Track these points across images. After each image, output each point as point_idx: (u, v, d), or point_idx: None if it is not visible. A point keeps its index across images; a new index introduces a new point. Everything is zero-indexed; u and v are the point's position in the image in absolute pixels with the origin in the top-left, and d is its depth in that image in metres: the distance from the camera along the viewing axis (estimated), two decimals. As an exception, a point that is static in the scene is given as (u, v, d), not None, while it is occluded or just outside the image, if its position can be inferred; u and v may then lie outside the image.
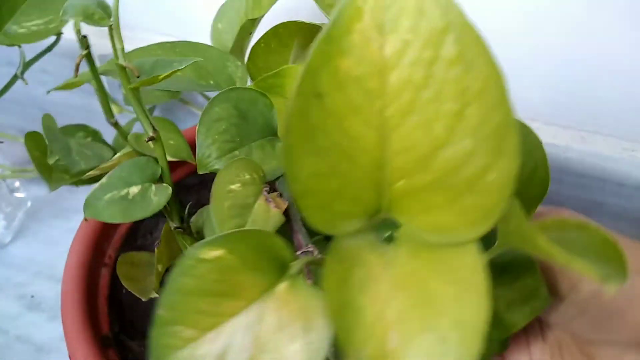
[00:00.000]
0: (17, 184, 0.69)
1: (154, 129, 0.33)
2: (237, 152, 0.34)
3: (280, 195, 0.32)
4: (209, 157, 0.33)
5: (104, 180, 0.34)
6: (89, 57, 0.31)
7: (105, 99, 0.33)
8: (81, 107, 0.69)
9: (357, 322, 0.18)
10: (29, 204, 0.70)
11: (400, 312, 0.18)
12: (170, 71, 0.30)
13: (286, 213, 0.31)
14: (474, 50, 0.17)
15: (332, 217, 0.20)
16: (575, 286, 0.28)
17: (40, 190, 0.73)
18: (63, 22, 0.31)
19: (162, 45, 0.41)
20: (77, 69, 0.30)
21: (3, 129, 0.67)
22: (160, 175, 0.34)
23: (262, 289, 0.22)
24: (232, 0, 0.46)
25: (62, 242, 0.46)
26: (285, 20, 0.36)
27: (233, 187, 0.30)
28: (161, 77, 0.30)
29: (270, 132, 0.35)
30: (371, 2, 0.18)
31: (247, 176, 0.31)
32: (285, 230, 0.31)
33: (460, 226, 0.19)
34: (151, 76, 0.30)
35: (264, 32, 0.37)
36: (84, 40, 0.29)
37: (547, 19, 0.45)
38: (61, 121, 0.45)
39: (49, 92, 0.35)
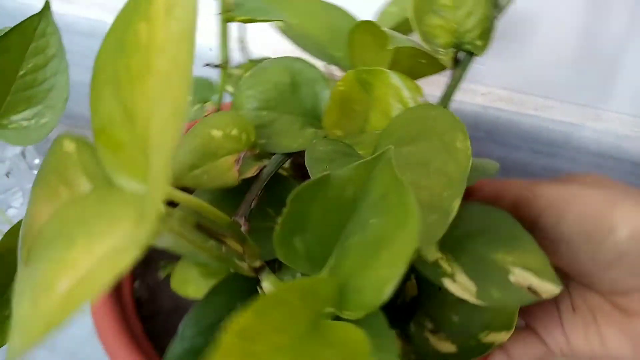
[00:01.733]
0: (36, 161, 0.70)
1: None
2: (264, 113, 0.34)
3: (261, 169, 0.32)
4: (240, 106, 0.33)
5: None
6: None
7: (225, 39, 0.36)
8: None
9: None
10: (47, 181, 0.72)
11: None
12: (268, 18, 0.32)
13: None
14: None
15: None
16: (613, 229, 0.28)
17: (59, 168, 0.74)
18: (56, 116, 0.32)
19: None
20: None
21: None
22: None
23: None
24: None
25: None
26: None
27: (215, 132, 0.30)
28: (257, 19, 0.32)
29: (312, 116, 0.35)
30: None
31: (235, 132, 0.31)
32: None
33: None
34: (247, 16, 0.32)
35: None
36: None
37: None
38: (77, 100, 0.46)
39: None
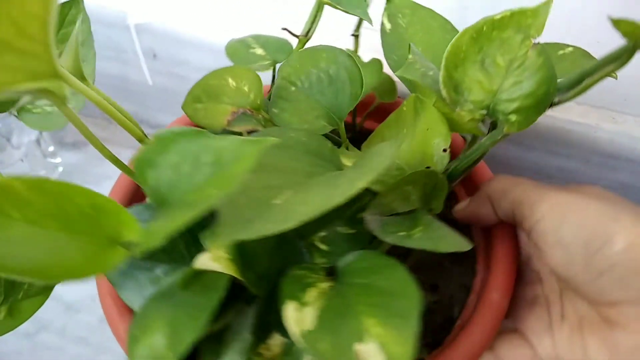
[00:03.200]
0: (51, 148, 0.71)
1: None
2: (292, 89, 0.36)
3: (249, 132, 0.34)
4: (282, 73, 0.36)
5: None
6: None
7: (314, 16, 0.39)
8: (117, 75, 0.70)
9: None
10: (60, 169, 0.72)
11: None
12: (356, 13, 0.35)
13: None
14: None
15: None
16: (610, 240, 0.29)
17: (73, 156, 0.75)
18: (80, 103, 0.32)
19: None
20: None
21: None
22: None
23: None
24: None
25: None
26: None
27: (231, 81, 0.34)
28: (346, 10, 0.35)
29: (333, 110, 0.36)
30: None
31: (246, 88, 0.34)
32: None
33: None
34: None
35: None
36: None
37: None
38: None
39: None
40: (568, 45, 0.37)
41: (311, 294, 0.27)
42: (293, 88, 0.36)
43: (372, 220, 0.29)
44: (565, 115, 0.50)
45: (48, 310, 0.57)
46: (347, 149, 0.37)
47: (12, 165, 0.64)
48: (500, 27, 0.29)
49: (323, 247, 0.31)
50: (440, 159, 0.32)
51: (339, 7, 0.36)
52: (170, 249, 0.31)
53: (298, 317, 0.25)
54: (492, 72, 0.29)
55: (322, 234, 0.31)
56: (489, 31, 0.29)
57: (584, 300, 0.33)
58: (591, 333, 0.32)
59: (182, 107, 0.35)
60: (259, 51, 0.41)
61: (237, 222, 0.23)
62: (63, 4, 0.34)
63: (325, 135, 0.38)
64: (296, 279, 0.28)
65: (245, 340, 0.29)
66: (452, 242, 0.28)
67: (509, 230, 0.37)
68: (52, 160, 0.71)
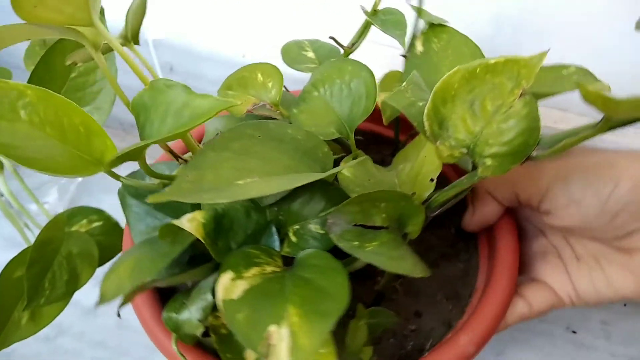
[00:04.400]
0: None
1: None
2: (315, 94, 0.39)
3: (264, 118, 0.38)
4: (312, 79, 0.40)
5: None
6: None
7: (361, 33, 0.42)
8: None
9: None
10: (79, 178, 0.75)
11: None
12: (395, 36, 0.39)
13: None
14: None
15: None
16: (617, 183, 0.33)
17: (92, 166, 0.77)
18: (103, 117, 0.36)
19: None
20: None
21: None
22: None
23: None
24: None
25: (111, 213, 0.49)
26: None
27: (259, 76, 0.40)
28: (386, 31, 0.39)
29: (344, 119, 0.38)
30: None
31: (270, 85, 0.39)
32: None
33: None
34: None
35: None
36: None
37: (582, 9, 0.46)
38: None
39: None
40: (570, 66, 0.38)
41: (252, 272, 0.29)
42: (316, 93, 0.39)
43: (333, 224, 0.30)
44: (565, 126, 0.51)
45: (67, 315, 0.59)
46: (355, 158, 0.38)
47: (33, 174, 0.66)
48: (494, 71, 0.29)
49: (294, 239, 0.34)
50: (425, 187, 0.34)
51: (381, 28, 0.38)
52: (179, 206, 0.35)
53: (229, 286, 0.28)
54: (479, 114, 0.29)
55: (296, 227, 0.34)
56: (482, 74, 0.29)
57: (594, 241, 0.37)
58: (610, 264, 0.36)
59: (217, 92, 0.40)
60: (310, 54, 0.45)
61: (191, 188, 0.26)
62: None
63: (342, 144, 0.40)
64: (246, 255, 0.31)
65: (207, 300, 0.32)
66: (405, 265, 0.30)
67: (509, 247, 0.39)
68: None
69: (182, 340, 0.34)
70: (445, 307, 0.40)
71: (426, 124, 0.30)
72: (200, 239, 0.31)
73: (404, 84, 0.34)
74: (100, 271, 0.39)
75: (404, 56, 0.40)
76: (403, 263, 0.30)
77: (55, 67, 0.36)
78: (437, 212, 0.34)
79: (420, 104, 0.32)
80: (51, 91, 0.27)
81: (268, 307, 0.27)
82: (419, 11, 0.40)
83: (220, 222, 0.33)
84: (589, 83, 0.35)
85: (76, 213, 0.41)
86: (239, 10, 0.61)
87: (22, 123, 0.26)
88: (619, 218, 0.33)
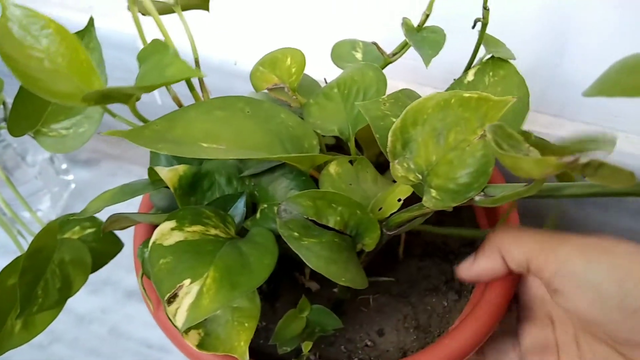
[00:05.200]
0: (64, 166, 0.73)
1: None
2: (335, 91, 0.40)
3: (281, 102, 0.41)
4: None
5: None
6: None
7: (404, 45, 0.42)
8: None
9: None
10: (73, 185, 0.75)
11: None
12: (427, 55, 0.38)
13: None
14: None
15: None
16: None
17: (86, 173, 0.77)
18: (93, 126, 0.37)
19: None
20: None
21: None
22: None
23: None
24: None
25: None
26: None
27: (288, 60, 0.42)
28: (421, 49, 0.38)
29: (350, 124, 0.39)
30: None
31: (293, 70, 0.42)
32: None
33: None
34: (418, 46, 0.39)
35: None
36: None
37: (581, 23, 0.47)
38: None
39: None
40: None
41: (194, 228, 0.32)
42: (335, 90, 0.40)
43: (284, 211, 0.32)
44: (556, 131, 0.51)
45: (60, 322, 0.59)
46: (352, 162, 0.38)
47: (26, 182, 0.66)
48: (466, 106, 0.29)
49: (258, 215, 0.36)
50: (392, 205, 0.34)
51: (415, 46, 0.38)
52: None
53: (165, 233, 0.31)
54: (442, 144, 0.29)
55: (265, 205, 0.36)
56: (456, 106, 0.29)
57: (603, 344, 0.33)
58: None
59: (254, 66, 0.43)
60: (359, 55, 0.45)
61: (153, 136, 0.29)
62: (77, 32, 0.36)
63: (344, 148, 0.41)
64: (197, 213, 0.33)
65: None
66: (333, 269, 0.30)
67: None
68: (65, 178, 0.74)
69: (146, 275, 0.38)
70: (410, 336, 0.40)
71: (390, 140, 0.30)
72: (170, 187, 0.35)
73: (385, 96, 0.35)
74: (94, 277, 0.39)
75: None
76: (332, 266, 0.30)
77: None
78: (394, 233, 0.34)
79: (393, 119, 0.32)
80: (67, 30, 0.29)
81: (192, 262, 0.30)
82: (486, 39, 0.39)
83: (200, 180, 0.37)
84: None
85: (69, 220, 0.41)
86: (231, 17, 0.61)
87: (41, 51, 0.28)
88: (636, 317, 0.29)
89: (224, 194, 0.37)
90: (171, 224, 0.31)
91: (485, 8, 0.38)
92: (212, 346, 0.33)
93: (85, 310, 0.62)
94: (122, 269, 0.65)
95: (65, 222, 0.41)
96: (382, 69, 0.41)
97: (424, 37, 0.39)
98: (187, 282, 0.29)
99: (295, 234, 0.31)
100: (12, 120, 0.35)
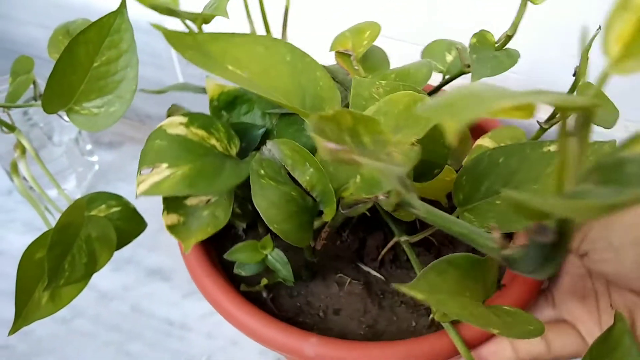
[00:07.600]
0: (88, 147, 0.75)
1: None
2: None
3: None
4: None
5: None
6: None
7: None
8: (152, 79, 0.73)
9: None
10: (97, 167, 0.76)
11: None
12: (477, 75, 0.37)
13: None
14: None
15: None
16: None
17: (109, 155, 0.78)
18: (124, 106, 0.38)
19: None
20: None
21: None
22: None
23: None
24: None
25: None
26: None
27: (367, 32, 0.43)
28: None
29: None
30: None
31: (365, 43, 0.42)
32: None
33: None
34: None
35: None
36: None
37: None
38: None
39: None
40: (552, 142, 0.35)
41: (197, 132, 0.36)
42: (393, 76, 0.41)
43: (268, 150, 0.35)
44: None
45: (83, 298, 0.61)
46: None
47: (53, 160, 0.68)
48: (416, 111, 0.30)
49: (266, 147, 0.36)
50: (355, 184, 0.34)
51: (475, 64, 0.37)
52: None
53: (173, 124, 0.35)
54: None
55: (275, 140, 0.37)
56: (414, 110, 0.31)
57: (632, 293, 0.35)
58: None
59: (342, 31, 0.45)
60: (449, 58, 0.45)
61: (191, 43, 0.29)
62: (109, 14, 0.37)
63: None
64: (209, 121, 0.37)
65: None
66: (275, 217, 0.33)
67: None
68: (90, 159, 0.75)
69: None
70: (359, 330, 0.40)
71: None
72: (209, 98, 0.41)
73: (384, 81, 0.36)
74: (117, 255, 0.40)
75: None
76: (272, 210, 0.33)
77: (78, 56, 0.37)
78: (347, 212, 0.34)
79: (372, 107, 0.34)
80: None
81: (178, 153, 0.34)
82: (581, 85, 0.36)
83: (239, 104, 0.42)
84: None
85: (95, 198, 0.42)
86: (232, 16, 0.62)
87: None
88: None
89: (254, 122, 0.41)
90: (182, 119, 0.36)
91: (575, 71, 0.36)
92: (179, 233, 0.37)
93: (108, 288, 0.63)
94: (144, 248, 0.67)
95: (92, 199, 0.42)
96: (458, 77, 0.41)
97: (495, 56, 0.37)
98: (164, 165, 0.33)
99: (262, 172, 0.34)
100: (46, 98, 0.36)
